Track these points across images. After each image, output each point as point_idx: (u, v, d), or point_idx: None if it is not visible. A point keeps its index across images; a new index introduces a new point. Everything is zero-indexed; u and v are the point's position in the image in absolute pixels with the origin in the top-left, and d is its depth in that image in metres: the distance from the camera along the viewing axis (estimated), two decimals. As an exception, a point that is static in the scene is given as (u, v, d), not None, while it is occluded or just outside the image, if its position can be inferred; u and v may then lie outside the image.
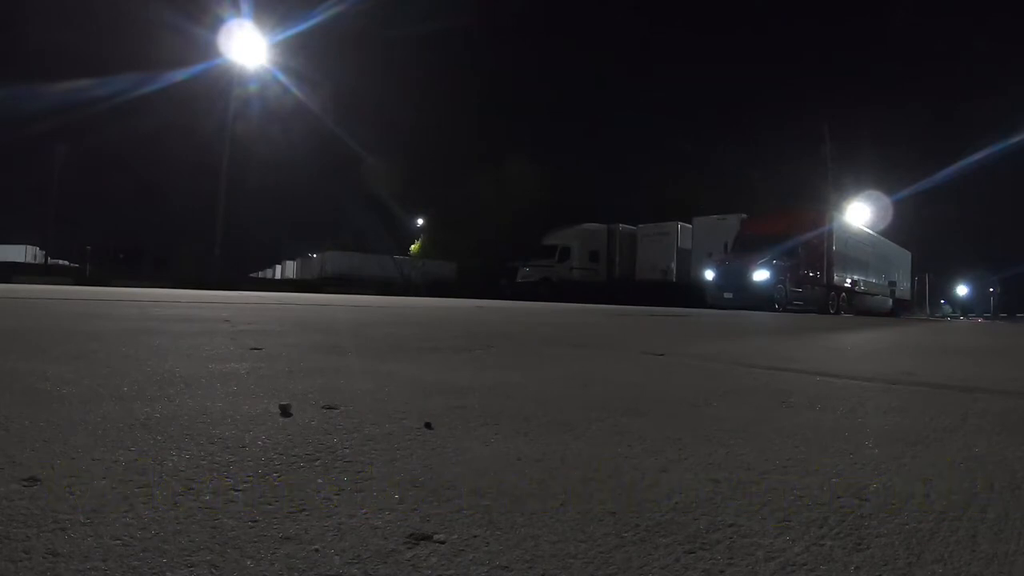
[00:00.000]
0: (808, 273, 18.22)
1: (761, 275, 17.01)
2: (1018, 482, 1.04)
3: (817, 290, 18.50)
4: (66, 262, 28.70)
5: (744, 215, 20.76)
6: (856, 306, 20.65)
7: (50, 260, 28.03)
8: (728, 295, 17.44)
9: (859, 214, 26.91)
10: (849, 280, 20.38)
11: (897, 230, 27.25)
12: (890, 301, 24.44)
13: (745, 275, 17.16)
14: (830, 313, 18.26)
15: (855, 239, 21.29)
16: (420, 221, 43.94)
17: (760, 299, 16.52)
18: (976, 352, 4.45)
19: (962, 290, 63.07)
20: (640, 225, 25.63)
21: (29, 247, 33.61)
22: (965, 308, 58.77)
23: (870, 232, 23.96)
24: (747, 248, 18.23)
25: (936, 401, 1.91)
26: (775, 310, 16.25)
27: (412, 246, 42.10)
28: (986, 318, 40.36)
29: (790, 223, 18.39)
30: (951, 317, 41.74)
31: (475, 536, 0.75)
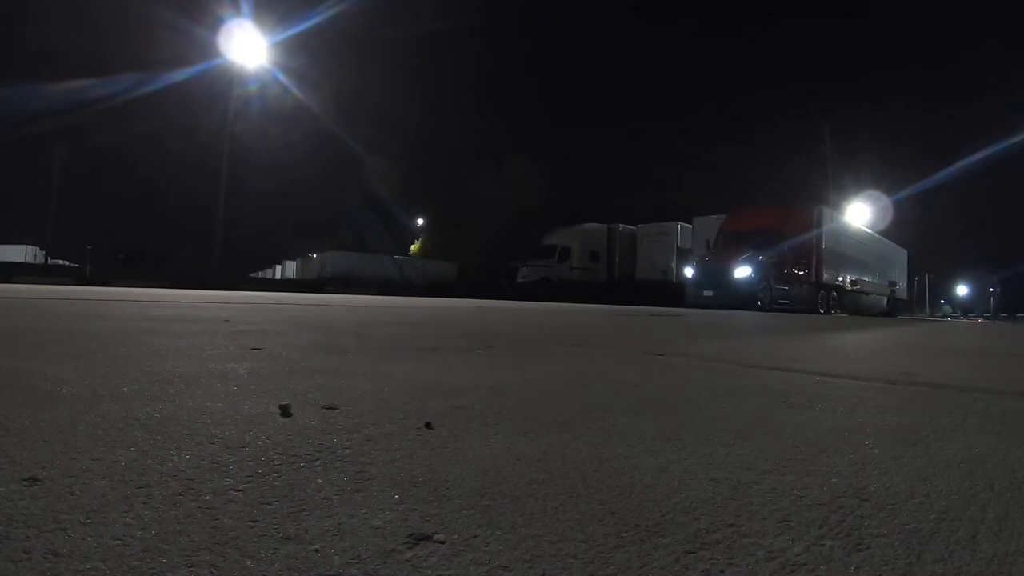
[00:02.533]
0: (795, 270, 17.28)
1: (743, 272, 16.01)
2: (1018, 482, 1.04)
3: (805, 288, 17.63)
4: (66, 262, 28.70)
5: None
6: (849, 305, 19.90)
7: (50, 260, 28.03)
8: (708, 293, 16.49)
9: (858, 213, 26.71)
10: (841, 278, 19.52)
11: (897, 230, 27.15)
12: (885, 300, 23.74)
13: (725, 272, 16.21)
14: (820, 312, 17.46)
15: (847, 235, 20.47)
16: (420, 221, 43.96)
17: (742, 297, 15.63)
18: (975, 352, 4.45)
19: (962, 290, 63.13)
20: (640, 225, 25.63)
21: (29, 247, 33.63)
22: (965, 308, 58.77)
23: (864, 229, 23.21)
24: (730, 244, 17.28)
25: (936, 401, 1.91)
26: (758, 309, 15.43)
27: (412, 246, 42.10)
28: (986, 318, 40.32)
29: (776, 218, 17.41)
30: (951, 317, 41.73)
31: (475, 536, 0.75)
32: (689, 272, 18.05)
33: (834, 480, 1.02)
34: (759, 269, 16.10)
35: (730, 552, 0.73)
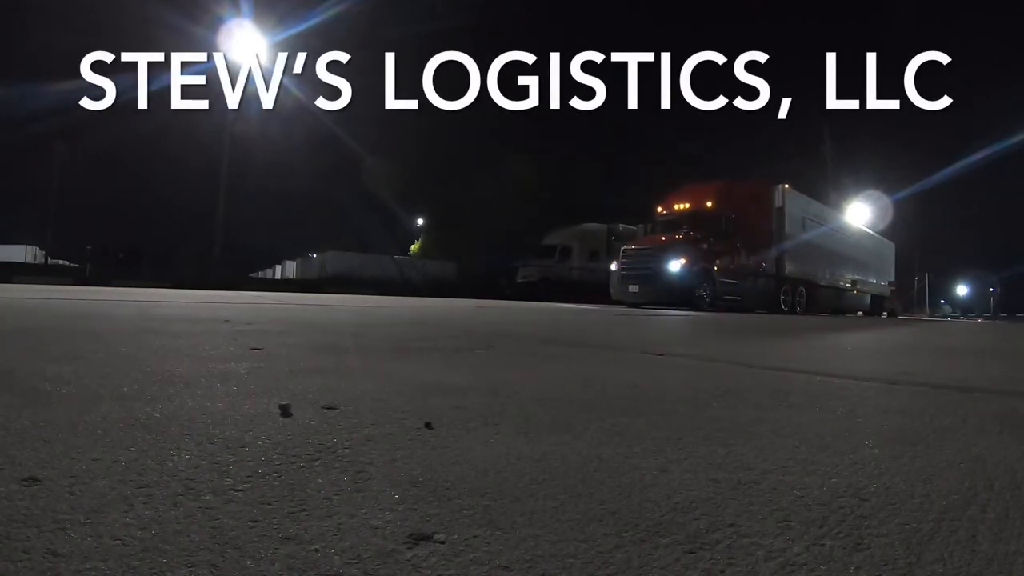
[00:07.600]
0: (748, 260, 14.43)
1: (676, 264, 12.93)
2: (1018, 482, 1.04)
3: (762, 282, 14.95)
4: (66, 262, 28.73)
5: None
6: (824, 303, 17.56)
7: (50, 260, 28.04)
8: (633, 288, 13.61)
9: (857, 213, 26.31)
10: (812, 271, 16.88)
11: (898, 230, 27.01)
12: (868, 298, 21.60)
13: (654, 263, 13.21)
14: (782, 311, 15.13)
15: (819, 222, 17.52)
16: (420, 221, 43.97)
17: (675, 293, 12.88)
18: (976, 352, 4.45)
19: (962, 290, 63.26)
20: (640, 225, 25.62)
21: (29, 247, 33.64)
22: (965, 308, 58.87)
23: (840, 216, 20.81)
24: (666, 230, 14.38)
25: (936, 401, 1.91)
26: (696, 307, 12.81)
27: (412, 246, 42.11)
28: (986, 318, 40.33)
29: (722, 197, 14.32)
30: (951, 317, 41.71)
31: (475, 536, 0.75)
32: (614, 265, 14.92)
33: (834, 480, 1.02)
34: (700, 259, 13.19)
35: (730, 552, 0.73)
